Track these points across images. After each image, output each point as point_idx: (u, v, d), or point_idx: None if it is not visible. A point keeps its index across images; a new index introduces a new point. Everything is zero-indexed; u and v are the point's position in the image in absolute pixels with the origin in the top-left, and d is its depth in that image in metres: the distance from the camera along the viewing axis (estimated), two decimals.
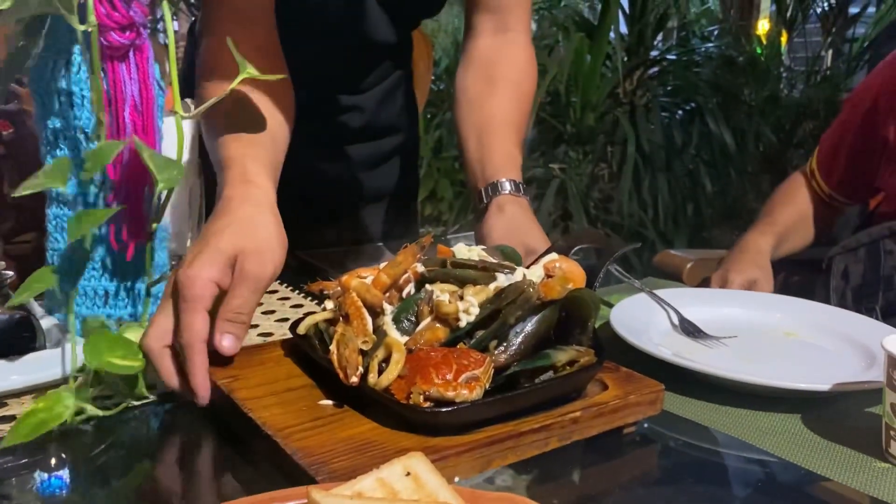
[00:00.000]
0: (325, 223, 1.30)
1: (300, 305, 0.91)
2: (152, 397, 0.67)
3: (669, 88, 3.63)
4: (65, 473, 0.57)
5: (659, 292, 0.94)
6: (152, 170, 0.68)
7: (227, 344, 0.63)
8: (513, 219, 0.88)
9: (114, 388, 0.67)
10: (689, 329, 0.87)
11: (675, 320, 0.89)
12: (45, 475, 0.57)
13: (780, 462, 0.62)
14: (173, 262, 0.86)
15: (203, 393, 0.61)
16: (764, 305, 0.94)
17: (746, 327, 0.88)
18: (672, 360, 0.73)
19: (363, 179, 1.28)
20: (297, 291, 0.96)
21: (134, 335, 0.69)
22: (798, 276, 1.42)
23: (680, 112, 3.53)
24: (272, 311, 0.89)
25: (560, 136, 3.51)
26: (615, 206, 3.32)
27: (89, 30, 0.67)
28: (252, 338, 0.82)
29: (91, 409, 0.64)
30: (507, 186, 0.90)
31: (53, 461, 0.59)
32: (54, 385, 0.66)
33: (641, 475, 0.60)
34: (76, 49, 0.72)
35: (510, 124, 0.98)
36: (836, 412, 0.71)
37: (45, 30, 0.72)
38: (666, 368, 0.72)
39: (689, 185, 3.44)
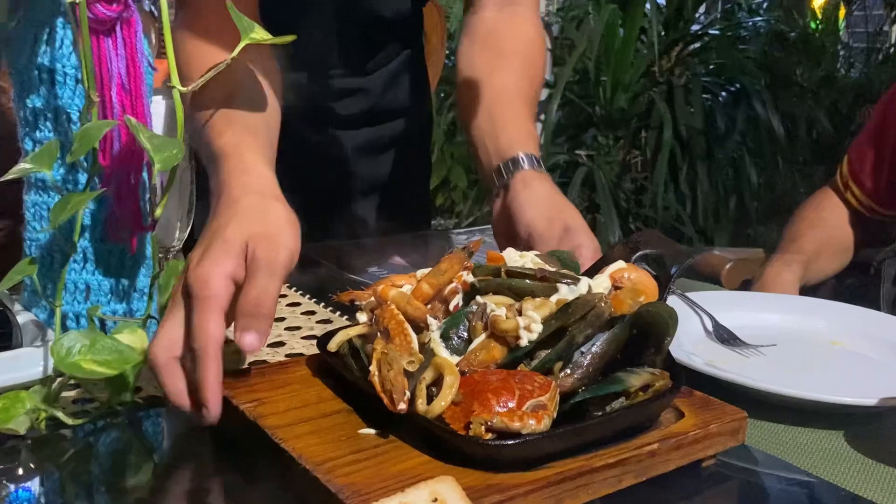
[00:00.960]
0: (326, 215, 1.30)
1: (328, 321, 0.90)
2: (140, 401, 0.67)
3: (712, 67, 3.61)
4: (30, 487, 0.57)
5: (692, 295, 0.95)
6: (148, 150, 0.68)
7: (248, 340, 0.60)
8: (544, 194, 0.86)
9: (96, 391, 0.67)
10: (724, 336, 0.88)
11: (710, 326, 0.90)
12: (11, 487, 0.56)
13: (821, 483, 0.62)
14: (161, 255, 0.85)
15: (214, 408, 0.59)
16: (807, 311, 0.95)
17: (787, 335, 0.89)
18: (704, 370, 0.74)
19: (368, 166, 1.28)
20: (322, 304, 0.95)
21: (126, 337, 0.68)
22: (845, 279, 1.41)
23: (723, 94, 3.52)
24: (297, 328, 0.88)
25: (588, 119, 3.50)
26: (648, 198, 3.30)
27: (76, 0, 0.66)
28: (276, 359, 0.81)
29: (61, 416, 0.64)
30: (528, 162, 0.88)
31: (20, 471, 0.58)
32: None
33: None
34: (59, 22, 0.71)
35: (523, 97, 0.96)
36: (883, 429, 0.70)
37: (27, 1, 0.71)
38: (697, 379, 0.72)
39: (732, 175, 3.42)
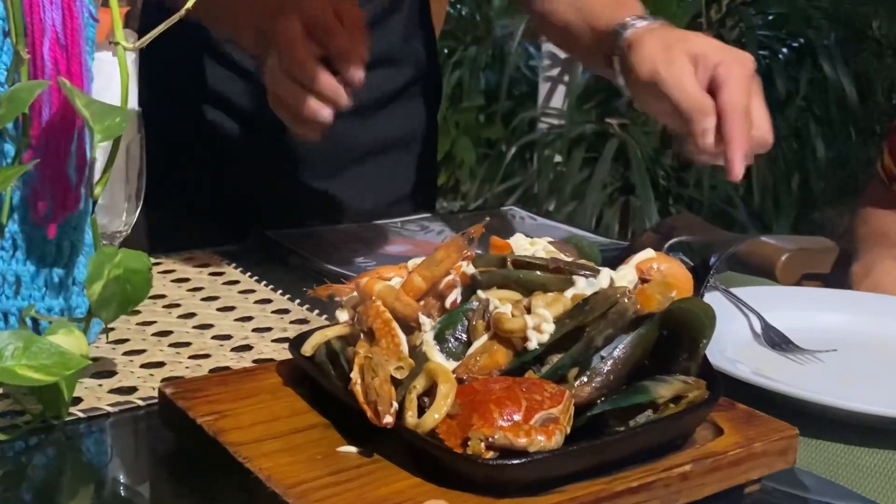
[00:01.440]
0: (306, 192, 1.31)
1: (304, 321, 0.91)
2: (80, 414, 0.69)
3: (770, 18, 3.61)
4: None
5: (737, 291, 0.96)
6: (87, 117, 0.69)
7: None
8: (669, 31, 0.96)
9: (27, 403, 0.68)
10: (775, 339, 0.89)
11: (758, 328, 0.91)
12: None
13: None
14: (104, 242, 0.87)
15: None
16: (875, 311, 0.96)
17: (849, 339, 0.90)
18: (749, 379, 0.75)
19: (358, 128, 1.28)
20: (298, 301, 0.96)
21: (62, 339, 0.70)
22: None
23: (784, 50, 3.52)
24: (267, 329, 0.89)
25: None
26: (693, 175, 3.31)
27: None
28: (242, 364, 0.82)
29: None
30: (645, 20, 0.98)
31: None
32: None
33: None
34: None
35: None
36: None
37: None
38: (741, 389, 0.73)
39: (794, 148, 3.43)
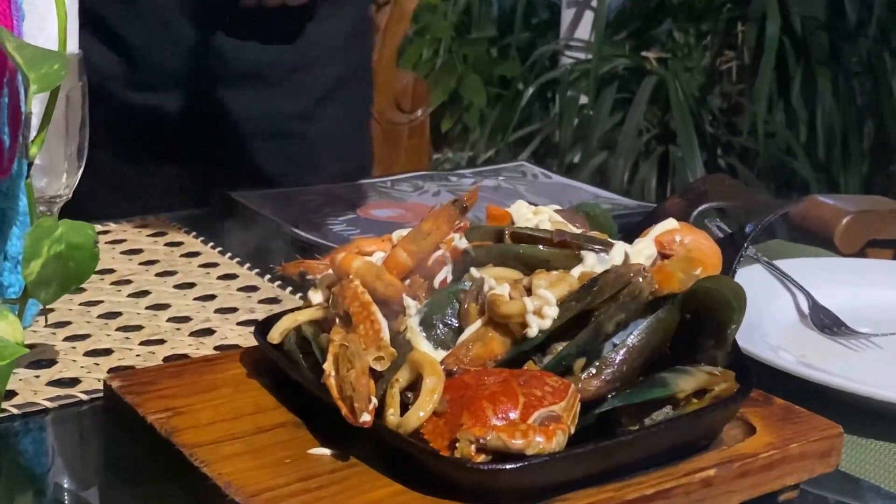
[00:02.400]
0: (269, 144, 1.37)
1: (275, 300, 0.94)
2: (13, 410, 0.71)
3: None
4: None
5: (783, 264, 0.96)
6: (19, 64, 0.70)
7: None
8: None
9: None
10: (825, 321, 0.90)
11: (806, 308, 0.92)
12: None
13: None
14: (41, 209, 0.89)
15: None
16: None
17: None
18: (792, 370, 0.76)
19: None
20: (268, 277, 0.98)
21: None
22: None
23: None
24: (231, 310, 0.92)
25: (661, 6, 3.49)
26: (745, 121, 3.31)
27: None
28: (201, 352, 0.84)
29: None
30: None
31: None
32: None
33: None
34: None
35: None
36: None
37: None
38: (784, 381, 0.75)
39: (867, 88, 3.42)
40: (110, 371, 0.78)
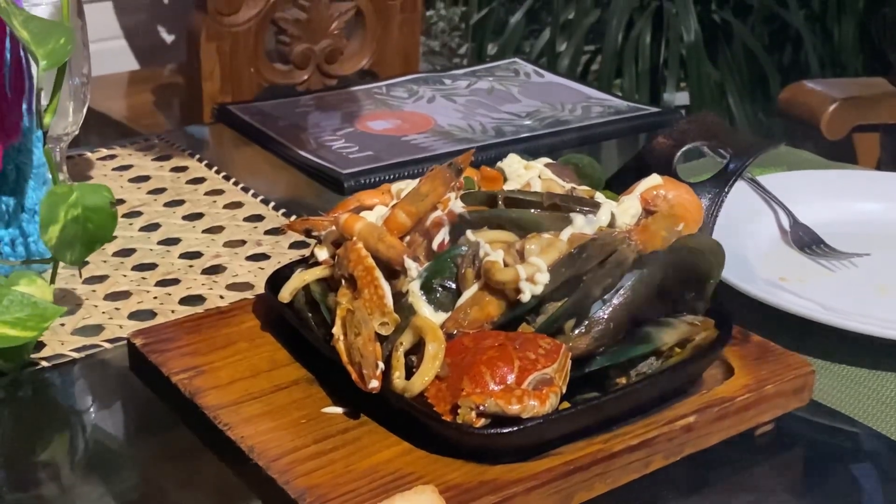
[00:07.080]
0: None
1: (279, 231, 0.95)
2: (44, 363, 0.76)
3: None
4: None
5: (766, 180, 0.98)
6: (27, 41, 0.73)
7: None
8: None
9: None
10: (805, 239, 0.93)
11: (787, 224, 0.95)
12: None
13: None
14: (50, 146, 0.92)
15: None
16: None
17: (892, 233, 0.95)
18: (768, 301, 0.80)
19: None
20: (272, 205, 1.03)
21: (29, 286, 0.77)
22: None
23: None
24: (240, 243, 0.96)
25: None
26: None
27: None
28: (215, 293, 0.89)
29: None
30: None
31: None
32: None
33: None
34: None
35: None
36: None
37: None
38: (761, 305, 0.79)
39: None
40: (130, 317, 0.84)
